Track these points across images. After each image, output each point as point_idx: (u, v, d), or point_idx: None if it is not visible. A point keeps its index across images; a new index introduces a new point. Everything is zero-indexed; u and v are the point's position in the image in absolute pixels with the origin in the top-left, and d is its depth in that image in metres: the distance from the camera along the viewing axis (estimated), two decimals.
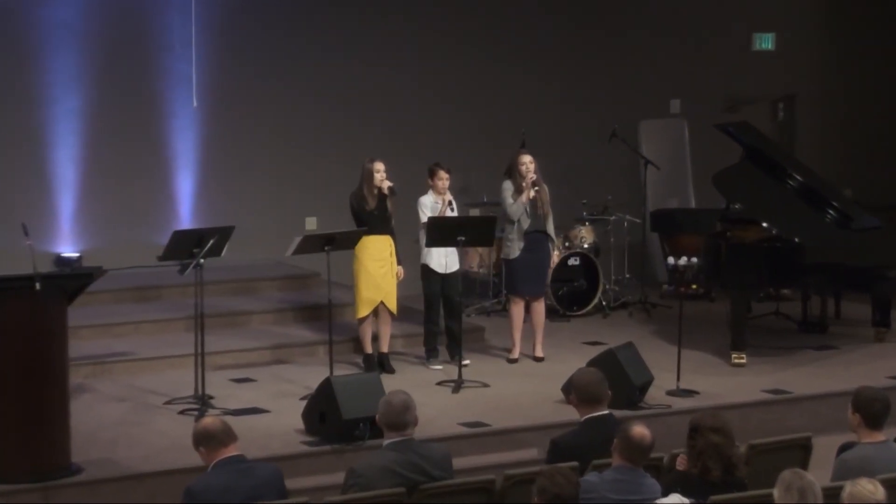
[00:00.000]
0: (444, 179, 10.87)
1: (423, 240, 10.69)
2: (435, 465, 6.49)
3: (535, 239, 11.05)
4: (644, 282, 13.74)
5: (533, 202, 10.95)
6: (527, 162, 10.97)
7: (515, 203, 10.97)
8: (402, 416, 6.43)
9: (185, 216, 13.03)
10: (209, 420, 6.42)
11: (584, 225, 13.43)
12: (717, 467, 6.23)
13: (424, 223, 10.67)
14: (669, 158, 14.87)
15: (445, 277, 10.91)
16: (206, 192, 13.14)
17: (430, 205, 10.85)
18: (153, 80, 12.89)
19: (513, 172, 11.06)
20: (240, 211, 12.76)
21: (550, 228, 11.16)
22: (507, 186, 11.07)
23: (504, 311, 12.79)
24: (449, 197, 10.91)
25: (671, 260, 10.74)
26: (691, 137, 15.29)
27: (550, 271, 11.73)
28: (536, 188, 10.88)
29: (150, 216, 12.80)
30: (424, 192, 10.97)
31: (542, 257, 11.14)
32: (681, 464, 6.46)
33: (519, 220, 10.99)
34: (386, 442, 6.47)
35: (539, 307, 11.24)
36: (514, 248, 11.05)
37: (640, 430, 6.21)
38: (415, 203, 10.95)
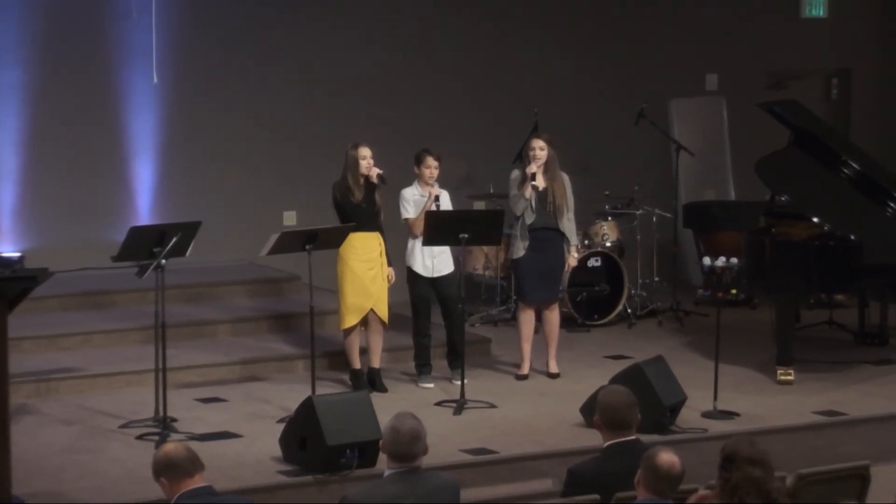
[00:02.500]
0: (431, 168, 10.79)
1: (411, 240, 10.70)
2: (441, 501, 6.47)
3: (542, 237, 11.02)
4: (676, 286, 13.75)
5: (541, 195, 10.93)
6: (536, 147, 10.95)
7: (517, 194, 10.98)
8: (411, 448, 6.39)
9: (144, 210, 13.04)
10: (172, 446, 6.41)
11: (606, 220, 13.44)
12: None
13: (406, 220, 10.71)
14: (705, 143, 14.88)
15: (436, 282, 10.90)
16: (168, 182, 13.15)
17: (414, 199, 10.82)
18: (107, 53, 12.90)
19: (523, 159, 11.06)
20: (207, 204, 12.78)
21: (566, 226, 11.08)
22: (515, 175, 11.08)
23: (513, 320, 12.81)
24: (437, 190, 10.83)
25: (707, 260, 10.74)
26: (730, 118, 15.31)
27: (566, 275, 11.72)
28: (533, 182, 10.84)
29: (103, 210, 12.81)
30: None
31: (550, 258, 11.10)
32: (706, 499, 6.43)
33: (523, 215, 11.00)
34: (388, 472, 6.45)
35: (552, 316, 11.24)
36: (519, 247, 11.06)
37: (667, 458, 6.20)
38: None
